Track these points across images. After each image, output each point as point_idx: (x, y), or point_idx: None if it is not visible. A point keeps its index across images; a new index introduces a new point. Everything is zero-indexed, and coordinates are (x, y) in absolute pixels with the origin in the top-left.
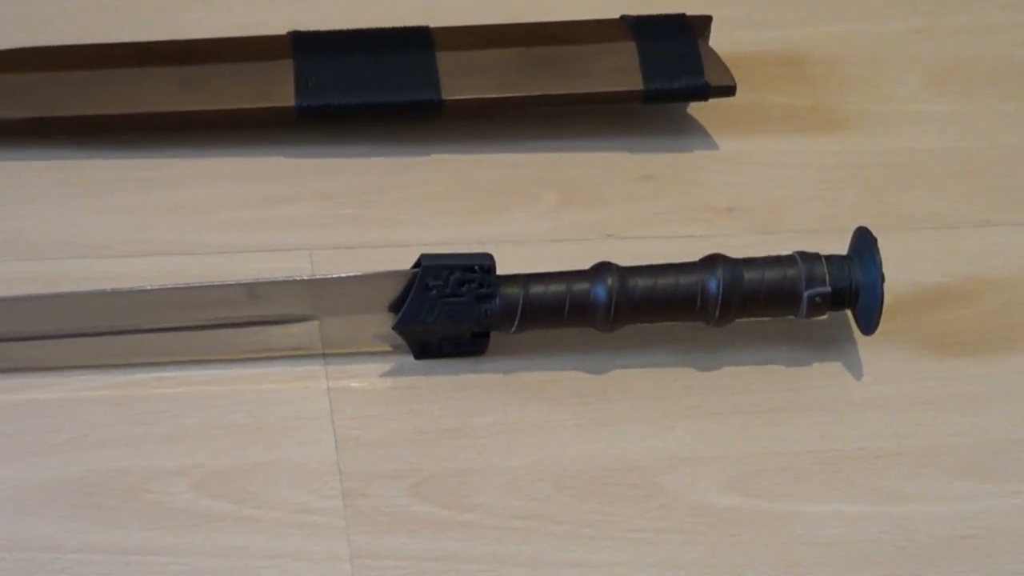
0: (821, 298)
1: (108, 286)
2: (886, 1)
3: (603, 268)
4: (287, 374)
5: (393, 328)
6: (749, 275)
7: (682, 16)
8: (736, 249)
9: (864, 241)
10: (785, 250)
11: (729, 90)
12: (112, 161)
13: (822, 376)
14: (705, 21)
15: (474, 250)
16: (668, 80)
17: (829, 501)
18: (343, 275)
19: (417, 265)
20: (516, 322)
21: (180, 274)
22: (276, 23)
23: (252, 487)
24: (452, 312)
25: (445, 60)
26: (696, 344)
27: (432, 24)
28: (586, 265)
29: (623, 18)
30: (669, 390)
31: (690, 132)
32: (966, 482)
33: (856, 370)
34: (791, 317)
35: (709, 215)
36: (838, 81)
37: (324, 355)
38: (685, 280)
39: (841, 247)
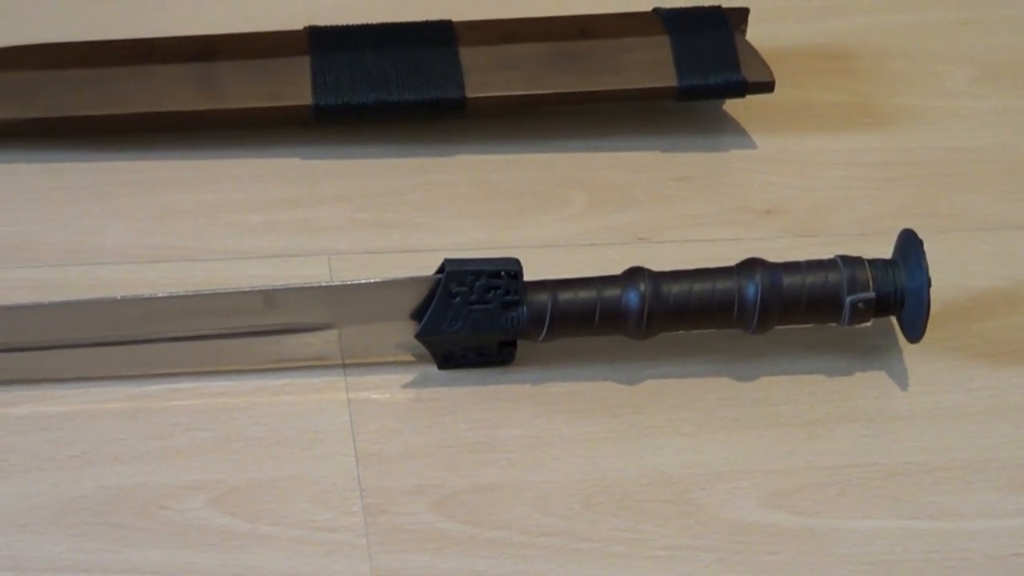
0: (865, 304)
1: (117, 294)
2: None
3: (635, 273)
4: (305, 385)
5: (416, 337)
6: (789, 280)
7: (718, 8)
8: (775, 253)
9: (910, 244)
10: (827, 254)
11: (768, 86)
12: (120, 163)
13: (866, 386)
14: (742, 13)
15: (500, 255)
16: (703, 76)
17: (874, 518)
18: (363, 281)
19: (441, 271)
20: (544, 330)
21: (192, 281)
22: (292, 18)
23: (270, 504)
24: (477, 320)
25: (469, 56)
26: (733, 353)
27: (455, 18)
28: (617, 270)
29: (656, 11)
30: (705, 401)
31: (726, 131)
32: (1020, 498)
33: (902, 380)
34: (833, 324)
35: (747, 217)
36: (883, 76)
37: (344, 365)
38: (722, 286)
39: (886, 251)
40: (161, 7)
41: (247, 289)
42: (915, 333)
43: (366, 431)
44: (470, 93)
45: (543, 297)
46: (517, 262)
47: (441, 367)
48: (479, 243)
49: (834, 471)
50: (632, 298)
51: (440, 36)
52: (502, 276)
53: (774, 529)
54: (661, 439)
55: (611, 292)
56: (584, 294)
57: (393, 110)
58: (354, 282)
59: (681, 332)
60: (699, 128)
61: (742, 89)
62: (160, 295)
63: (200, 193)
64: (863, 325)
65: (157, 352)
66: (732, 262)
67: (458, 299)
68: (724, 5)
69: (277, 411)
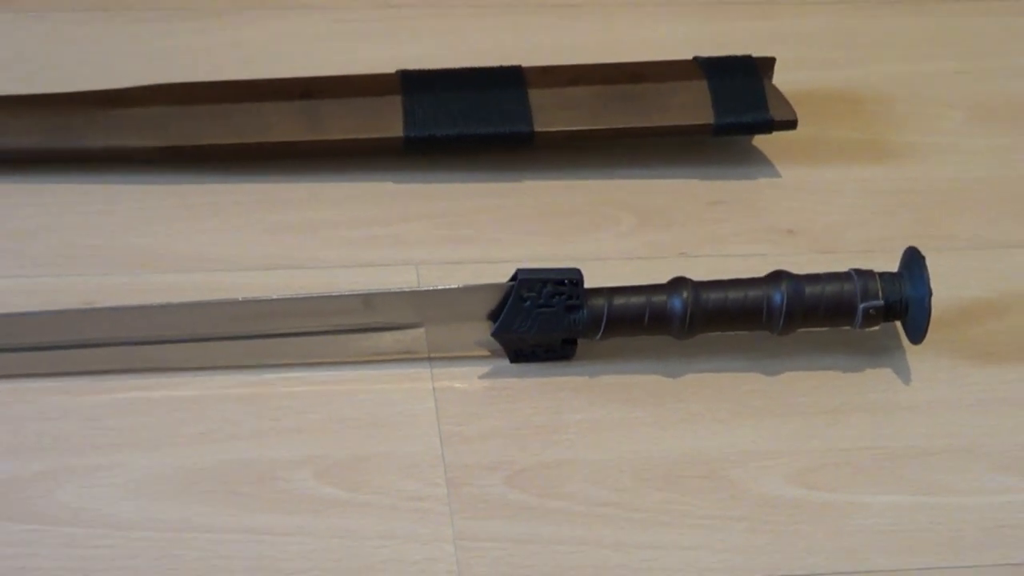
0: (875, 310)
1: (237, 296)
2: (930, 45)
3: (679, 282)
4: (397, 375)
5: (491, 335)
6: (810, 290)
7: (749, 57)
8: (797, 267)
9: (913, 259)
10: (842, 267)
11: (791, 124)
12: (237, 185)
13: (875, 381)
14: (770, 62)
15: (563, 266)
16: (736, 115)
17: (883, 494)
18: (447, 287)
19: (513, 279)
20: (601, 330)
21: (300, 286)
22: (385, 63)
23: (366, 476)
24: (544, 321)
25: (536, 96)
26: (762, 351)
27: (524, 64)
28: (663, 280)
29: (696, 59)
30: (738, 392)
31: (755, 162)
32: (1007, 477)
33: (906, 376)
34: (847, 328)
35: (773, 236)
36: (889, 116)
37: (430, 359)
38: (753, 294)
39: (892, 265)
40: (273, 54)
41: (347, 293)
42: (917, 336)
43: (449, 415)
44: (537, 128)
45: (600, 302)
46: (579, 272)
47: (512, 361)
48: (544, 256)
49: (849, 453)
50: (676, 304)
51: (512, 80)
52: (566, 284)
53: (797, 502)
54: (700, 424)
55: (658, 298)
56: (635, 300)
57: (472, 142)
58: (439, 288)
59: (717, 333)
60: (732, 159)
61: (769, 126)
62: (273, 297)
63: (306, 212)
64: (873, 329)
65: (270, 346)
66: (761, 274)
67: (528, 303)
68: (754, 55)
69: (373, 397)
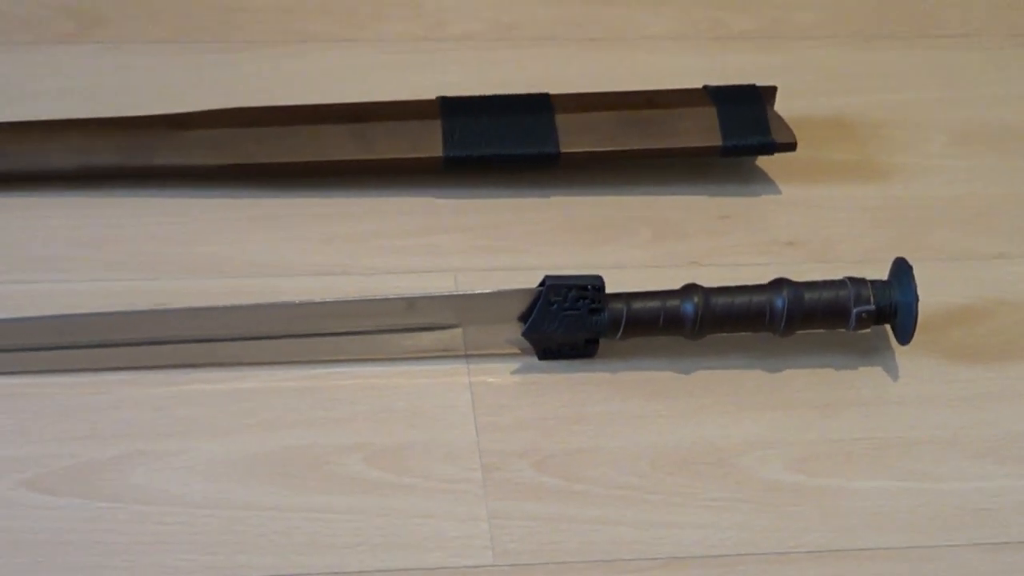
0: (867, 314)
1: (294, 299)
2: (916, 76)
3: (691, 288)
4: (437, 371)
5: (522, 335)
6: (808, 295)
7: (753, 86)
8: (797, 275)
9: (902, 268)
10: (837, 276)
11: (791, 146)
12: (293, 200)
13: (867, 378)
14: (772, 91)
15: (587, 273)
16: (742, 138)
17: (873, 479)
18: (482, 292)
19: (542, 284)
20: (621, 331)
21: (350, 290)
22: (427, 90)
23: (410, 461)
24: (570, 322)
25: (562, 120)
26: (765, 351)
27: (552, 92)
28: (676, 286)
29: (705, 88)
30: (743, 388)
31: (759, 180)
32: (985, 466)
33: (894, 374)
34: (842, 330)
35: (774, 247)
36: (879, 140)
37: (466, 356)
38: (757, 299)
39: (883, 273)
40: (326, 82)
41: (392, 296)
42: (905, 338)
43: (483, 407)
44: (563, 149)
45: (620, 305)
46: (600, 278)
47: (541, 358)
48: (569, 264)
49: (842, 443)
50: (688, 307)
51: (540, 105)
52: (589, 289)
53: (796, 486)
54: (709, 416)
55: (672, 302)
56: (651, 303)
57: (504, 161)
58: (475, 292)
59: (725, 334)
60: (738, 178)
61: (771, 148)
62: (326, 300)
63: (355, 224)
64: (865, 331)
65: (323, 344)
66: (764, 281)
67: (555, 306)
68: (758, 84)
69: (415, 390)
